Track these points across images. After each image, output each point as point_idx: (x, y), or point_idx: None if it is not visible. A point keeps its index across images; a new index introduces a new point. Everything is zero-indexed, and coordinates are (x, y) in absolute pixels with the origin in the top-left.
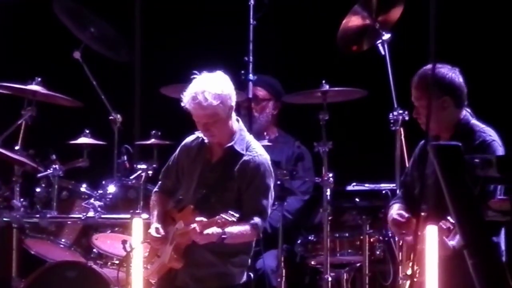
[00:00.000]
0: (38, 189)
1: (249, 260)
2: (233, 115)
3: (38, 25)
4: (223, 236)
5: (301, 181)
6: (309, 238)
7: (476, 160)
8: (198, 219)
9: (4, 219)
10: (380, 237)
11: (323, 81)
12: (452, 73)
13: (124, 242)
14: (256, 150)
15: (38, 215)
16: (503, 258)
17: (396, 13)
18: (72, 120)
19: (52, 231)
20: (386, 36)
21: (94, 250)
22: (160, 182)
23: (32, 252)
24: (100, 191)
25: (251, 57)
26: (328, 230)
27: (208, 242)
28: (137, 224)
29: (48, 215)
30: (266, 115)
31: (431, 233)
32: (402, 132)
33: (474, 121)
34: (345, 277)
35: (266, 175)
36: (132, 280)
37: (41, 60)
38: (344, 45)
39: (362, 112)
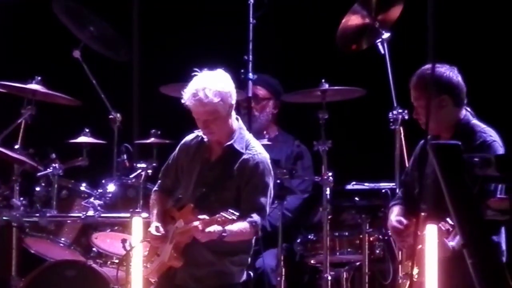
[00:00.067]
0: (37, 188)
1: (249, 259)
2: (233, 113)
3: (38, 24)
4: (223, 234)
5: (300, 180)
6: (309, 237)
7: (475, 159)
8: (200, 217)
9: (4, 218)
10: (380, 236)
11: (323, 80)
12: (450, 72)
13: (123, 241)
14: (256, 148)
15: (37, 214)
16: (504, 258)
17: (395, 12)
18: (72, 119)
19: (51, 230)
20: (386, 35)
21: (94, 249)
22: (159, 181)
23: (32, 251)
24: (99, 190)
25: (250, 56)
26: (327, 229)
27: (209, 239)
28: (137, 223)
29: (48, 214)
30: (266, 114)
31: (431, 233)
32: (402, 131)
33: (474, 121)
34: (344, 276)
35: (265, 173)
36: (131, 279)
37: (40, 59)
38: (343, 44)
39: (361, 111)
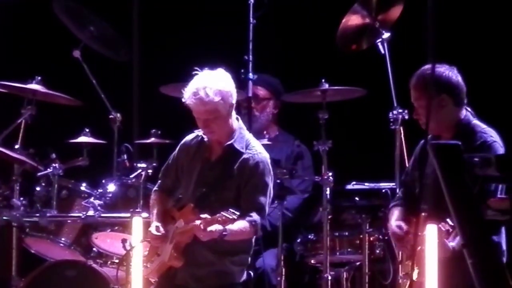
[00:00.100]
0: (38, 188)
1: (249, 259)
2: (233, 113)
3: (38, 24)
4: (223, 233)
5: (300, 180)
6: (309, 237)
7: (475, 159)
8: (202, 216)
9: (4, 218)
10: (380, 236)
11: (323, 80)
12: (449, 72)
13: (124, 241)
14: (256, 148)
15: (37, 214)
16: (504, 258)
17: (395, 12)
18: (72, 119)
19: (51, 230)
20: (386, 35)
21: (94, 249)
22: (159, 181)
23: (32, 251)
24: (100, 190)
25: (250, 56)
26: (327, 229)
27: (210, 238)
28: (137, 223)
29: (48, 214)
30: (267, 114)
31: (431, 233)
32: (402, 131)
33: (475, 121)
34: (344, 276)
35: (265, 173)
36: (131, 279)
37: (41, 59)
38: (343, 44)
39: (361, 111)
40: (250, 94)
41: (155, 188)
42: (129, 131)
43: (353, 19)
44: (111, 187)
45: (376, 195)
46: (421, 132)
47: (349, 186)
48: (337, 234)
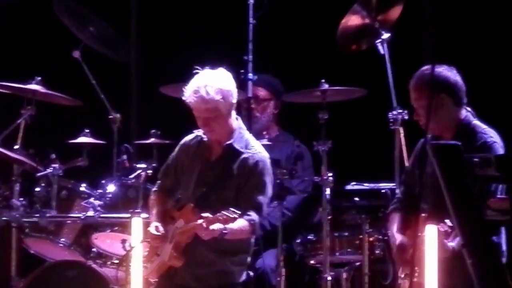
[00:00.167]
0: (37, 189)
1: (249, 259)
2: (233, 113)
3: (38, 24)
4: (224, 231)
5: (299, 180)
6: (309, 237)
7: (475, 159)
8: (204, 215)
9: (4, 218)
10: (380, 236)
11: (323, 80)
12: (448, 71)
13: (123, 241)
14: (256, 148)
15: (37, 215)
16: (504, 259)
17: (395, 12)
18: (72, 119)
19: (51, 231)
20: (386, 36)
21: (94, 249)
22: (159, 182)
23: (32, 252)
24: (99, 190)
25: (250, 56)
26: (327, 229)
27: (211, 237)
28: (137, 223)
29: (48, 215)
30: (268, 115)
31: (430, 234)
32: (402, 131)
33: (476, 121)
34: (344, 276)
35: (264, 172)
36: (131, 279)
37: (40, 60)
38: (343, 44)
39: (361, 111)
40: (250, 95)
41: (154, 188)
42: (129, 132)
43: (353, 20)
44: (111, 188)
45: (376, 195)
46: (421, 132)
47: (349, 187)
48: (337, 234)
